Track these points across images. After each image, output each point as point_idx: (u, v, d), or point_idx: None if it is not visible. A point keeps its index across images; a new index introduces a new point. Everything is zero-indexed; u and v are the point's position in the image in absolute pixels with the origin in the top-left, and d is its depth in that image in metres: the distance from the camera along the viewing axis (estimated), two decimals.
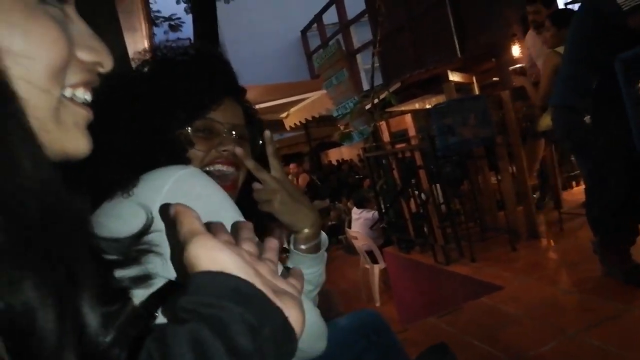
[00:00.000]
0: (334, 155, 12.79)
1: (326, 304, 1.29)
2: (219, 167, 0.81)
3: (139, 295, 0.50)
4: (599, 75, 1.90)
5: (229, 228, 0.46)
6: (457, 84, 5.25)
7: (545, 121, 3.19)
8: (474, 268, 2.77)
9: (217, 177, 0.80)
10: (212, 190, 0.67)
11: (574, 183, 4.31)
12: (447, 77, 5.39)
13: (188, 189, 0.63)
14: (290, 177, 8.58)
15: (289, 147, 14.00)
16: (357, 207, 5.09)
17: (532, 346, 1.72)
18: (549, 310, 2.00)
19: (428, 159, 3.10)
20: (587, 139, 2.05)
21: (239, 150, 0.80)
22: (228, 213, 0.66)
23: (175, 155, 0.74)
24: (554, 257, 2.71)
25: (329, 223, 7.11)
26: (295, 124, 8.30)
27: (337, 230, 6.97)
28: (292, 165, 8.57)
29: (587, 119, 2.01)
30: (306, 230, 0.86)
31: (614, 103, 1.56)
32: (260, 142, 0.87)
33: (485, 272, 2.66)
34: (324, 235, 0.92)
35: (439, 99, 5.81)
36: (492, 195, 3.60)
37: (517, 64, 4.58)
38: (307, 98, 7.47)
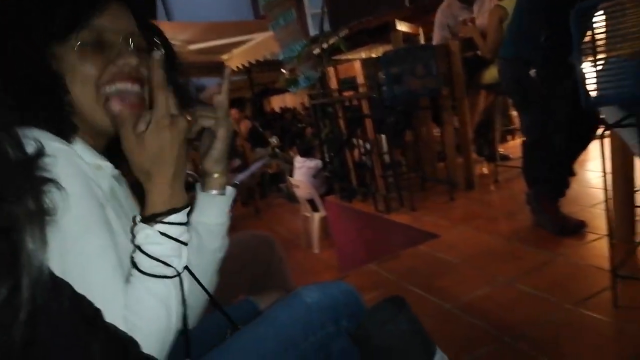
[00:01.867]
0: (277, 102, 12.53)
1: (280, 279, 1.23)
2: (119, 85, 0.70)
3: None
4: (549, 28, 1.90)
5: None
6: (404, 34, 5.18)
7: (490, 74, 3.23)
8: (413, 217, 2.83)
9: (120, 99, 0.70)
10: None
11: (509, 137, 4.48)
12: (395, 26, 5.31)
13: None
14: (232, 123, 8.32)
15: (231, 92, 13.49)
16: (301, 156, 5.03)
17: (466, 292, 1.78)
18: (483, 258, 2.08)
19: (374, 108, 3.06)
20: (533, 92, 2.09)
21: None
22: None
23: (46, 90, 0.62)
24: (490, 207, 2.82)
25: (270, 171, 7.03)
26: (238, 67, 7.94)
27: (279, 178, 6.92)
28: (233, 111, 8.27)
29: (533, 72, 2.03)
30: (217, 175, 0.79)
31: (563, 57, 1.57)
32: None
33: (424, 221, 2.73)
34: (230, 189, 0.84)
35: (387, 48, 5.74)
36: (433, 147, 3.67)
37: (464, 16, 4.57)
38: (251, 40, 7.13)
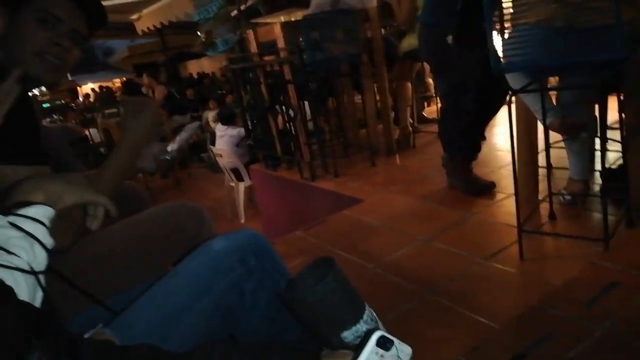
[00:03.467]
0: (194, 67, 11.94)
1: (200, 225, 1.18)
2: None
3: None
4: None
5: None
6: None
7: (408, 42, 3.31)
8: (337, 183, 2.88)
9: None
10: None
11: (425, 103, 4.67)
12: None
13: None
14: (143, 89, 7.80)
15: (142, 56, 12.60)
16: (222, 124, 4.88)
17: (388, 252, 1.86)
18: (403, 220, 2.18)
19: (297, 74, 3.02)
20: (449, 58, 2.17)
21: None
22: None
23: None
24: (408, 172, 2.94)
25: (191, 140, 6.76)
26: (148, 28, 7.40)
27: (199, 147, 6.68)
28: (144, 77, 7.77)
29: (450, 38, 2.10)
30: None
31: (477, 25, 1.63)
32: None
33: (348, 187, 2.78)
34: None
35: (306, 12, 5.65)
36: (354, 114, 3.73)
37: None
38: None
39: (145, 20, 7.36)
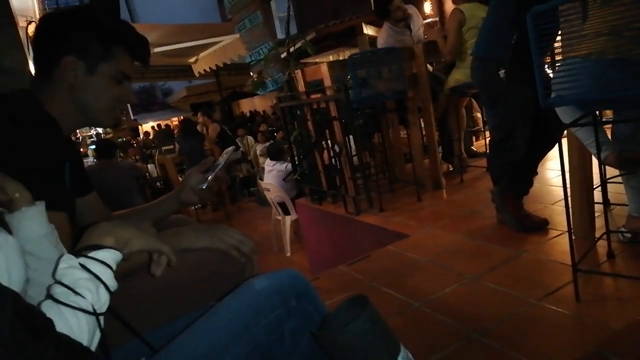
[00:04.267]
0: (246, 106, 12.43)
1: (240, 268, 1.19)
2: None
3: None
4: (518, 29, 1.96)
5: None
6: (370, 37, 5.25)
7: (454, 77, 3.30)
8: (382, 218, 2.86)
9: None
10: None
11: (474, 138, 4.58)
12: (362, 29, 5.36)
13: None
14: (199, 127, 8.17)
15: (199, 96, 13.28)
16: (271, 159, 5.00)
17: (434, 290, 1.81)
18: (451, 256, 2.12)
19: (342, 110, 3.07)
20: (501, 92, 2.14)
21: None
22: None
23: None
24: (456, 207, 2.87)
25: (240, 175, 6.97)
26: (205, 70, 7.85)
27: (250, 182, 6.86)
28: (199, 115, 8.15)
29: (502, 73, 2.08)
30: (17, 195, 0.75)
31: (529, 58, 1.61)
32: None
33: (393, 222, 2.75)
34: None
35: (353, 51, 5.80)
36: (400, 148, 3.72)
37: (429, 19, 4.67)
38: (218, 42, 7.06)
39: (202, 62, 7.81)
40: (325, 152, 3.47)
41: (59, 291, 0.64)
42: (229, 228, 1.10)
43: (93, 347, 0.64)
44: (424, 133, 3.38)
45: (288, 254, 4.46)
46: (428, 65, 3.41)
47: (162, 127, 14.64)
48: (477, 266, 1.93)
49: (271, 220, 4.79)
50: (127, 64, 1.08)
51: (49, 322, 0.45)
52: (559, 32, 1.51)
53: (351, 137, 3.19)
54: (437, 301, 1.73)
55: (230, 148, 1.16)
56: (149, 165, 7.06)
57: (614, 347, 1.23)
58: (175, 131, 10.61)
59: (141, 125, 15.56)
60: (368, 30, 5.35)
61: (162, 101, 22.38)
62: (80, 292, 0.65)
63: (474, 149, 4.19)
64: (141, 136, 13.45)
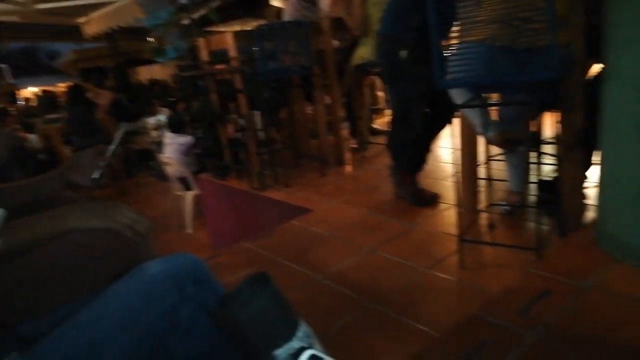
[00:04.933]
0: (145, 74, 11.60)
1: (135, 248, 1.12)
2: None
3: None
4: (421, 11, 2.02)
5: None
6: (278, 9, 5.15)
7: (359, 54, 3.36)
8: (287, 193, 2.87)
9: None
10: None
11: (374, 115, 4.76)
12: (269, 0, 5.25)
13: None
14: (89, 94, 7.47)
15: (90, 60, 12.12)
16: (172, 132, 4.74)
17: (335, 263, 1.87)
18: (351, 230, 2.19)
19: (248, 83, 2.99)
20: (403, 70, 2.21)
21: None
22: None
23: None
24: (357, 182, 2.97)
25: (137, 147, 6.54)
26: (97, 33, 7.15)
27: (147, 155, 6.46)
28: (87, 84, 7.42)
29: (404, 53, 2.15)
30: None
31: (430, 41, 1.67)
32: None
33: (298, 197, 2.77)
34: None
35: (260, 22, 5.66)
36: (306, 124, 3.74)
37: None
38: (111, 2, 6.45)
39: (93, 24, 7.09)
40: (230, 125, 3.38)
41: None
42: (121, 205, 1.01)
43: None
44: (329, 110, 3.42)
45: (189, 231, 4.31)
46: (335, 42, 3.43)
47: (46, 92, 13.20)
48: (375, 239, 2.02)
49: (171, 196, 4.58)
50: None
51: None
52: (460, 17, 1.59)
53: (257, 111, 3.13)
54: (338, 274, 1.78)
55: (125, 125, 1.05)
56: (30, 135, 6.32)
57: (491, 310, 1.36)
58: (62, 98, 9.61)
59: (19, 90, 13.87)
60: (276, 2, 5.24)
61: (46, 64, 20.11)
62: None
63: (375, 126, 4.35)
64: (21, 102, 11.99)
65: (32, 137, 6.33)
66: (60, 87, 13.79)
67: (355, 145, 3.85)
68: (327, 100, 3.41)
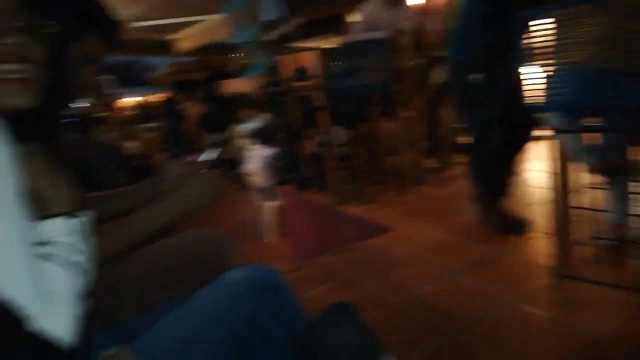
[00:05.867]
0: (230, 87, 12.21)
1: (221, 257, 1.18)
2: (6, 66, 0.63)
3: None
4: (493, 31, 1.95)
5: None
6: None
7: (436, 74, 3.30)
8: (366, 210, 2.87)
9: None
10: None
11: (457, 133, 4.61)
12: (351, 17, 5.30)
13: None
14: (180, 107, 7.96)
15: (180, 74, 13.00)
16: (255, 144, 4.94)
17: (415, 285, 1.83)
18: (433, 252, 2.15)
19: (328, 99, 3.05)
20: (476, 95, 2.14)
21: None
22: None
23: None
24: (438, 202, 2.90)
25: (224, 157, 6.88)
26: (189, 48, 7.66)
27: (232, 165, 6.77)
28: (179, 96, 7.94)
29: (477, 76, 2.08)
30: None
31: (503, 62, 1.60)
32: None
33: (377, 214, 2.77)
34: None
35: (341, 39, 5.74)
36: (386, 141, 3.72)
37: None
38: (202, 21, 6.90)
39: (186, 40, 7.63)
40: (310, 140, 3.45)
41: (58, 251, 0.65)
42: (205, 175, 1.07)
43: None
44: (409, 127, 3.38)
45: (269, 241, 4.44)
46: (413, 60, 3.39)
47: (143, 103, 14.31)
48: (457, 264, 1.96)
49: (252, 206, 4.75)
50: (97, 47, 1.04)
51: (23, 321, 0.44)
52: (554, 38, 1.51)
53: (336, 126, 3.17)
54: (418, 297, 1.75)
55: (211, 149, 1.13)
56: (129, 143, 6.88)
57: (592, 354, 1.26)
58: (156, 109, 10.37)
59: (120, 101, 15.14)
60: (355, 18, 5.29)
61: (142, 77, 21.83)
62: (78, 253, 0.66)
63: (459, 144, 4.21)
64: (121, 112, 13.11)
65: (130, 145, 6.89)
66: (154, 98, 14.87)
67: (436, 165, 3.77)
68: (407, 117, 3.37)
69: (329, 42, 6.86)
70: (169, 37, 7.72)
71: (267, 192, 4.45)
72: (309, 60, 3.27)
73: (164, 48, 9.10)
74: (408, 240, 2.31)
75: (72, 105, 1.08)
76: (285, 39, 4.05)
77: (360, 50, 2.98)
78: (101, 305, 0.80)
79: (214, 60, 10.34)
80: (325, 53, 3.37)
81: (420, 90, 3.39)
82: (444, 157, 3.59)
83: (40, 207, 0.67)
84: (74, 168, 1.19)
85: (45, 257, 0.63)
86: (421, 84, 3.41)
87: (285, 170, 3.69)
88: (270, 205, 4.39)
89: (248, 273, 0.85)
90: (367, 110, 3.51)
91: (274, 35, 3.70)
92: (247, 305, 0.81)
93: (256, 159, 4.74)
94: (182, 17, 6.76)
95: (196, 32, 7.26)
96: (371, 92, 3.29)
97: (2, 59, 0.62)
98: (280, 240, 4.27)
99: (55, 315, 0.58)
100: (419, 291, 1.79)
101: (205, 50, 8.45)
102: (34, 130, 0.74)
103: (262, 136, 4.88)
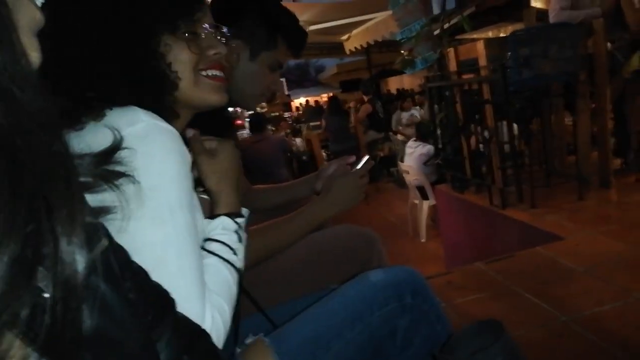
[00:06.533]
0: (394, 84, 12.27)
1: (369, 252, 1.19)
2: (213, 72, 0.77)
3: None
4: None
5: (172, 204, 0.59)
6: (539, 10, 4.68)
7: (636, 61, 2.78)
8: (532, 215, 2.58)
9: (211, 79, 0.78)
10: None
11: None
12: (529, 1, 4.83)
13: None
14: (351, 108, 8.35)
15: (348, 73, 13.55)
16: (414, 141, 4.88)
17: (589, 305, 1.58)
18: (613, 268, 1.83)
19: (497, 93, 2.82)
20: None
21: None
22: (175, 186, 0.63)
23: (159, 72, 0.69)
24: (626, 211, 2.46)
25: (381, 154, 6.95)
26: (355, 47, 7.91)
27: (389, 162, 6.82)
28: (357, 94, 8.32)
29: None
30: None
31: None
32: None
33: (546, 220, 2.47)
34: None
35: (517, 27, 5.26)
36: (563, 138, 3.29)
37: None
38: (371, 19, 7.03)
39: (353, 40, 7.88)
40: (473, 137, 3.25)
41: (219, 249, 0.72)
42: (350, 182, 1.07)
43: (231, 309, 0.69)
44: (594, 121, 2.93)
45: (423, 240, 4.35)
46: (607, 43, 2.92)
47: (312, 103, 15.34)
48: None
49: (408, 204, 4.70)
50: (284, 54, 1.12)
51: (172, 303, 0.47)
52: None
53: (504, 122, 2.92)
54: (591, 318, 1.51)
55: (366, 158, 1.12)
56: (297, 139, 7.45)
57: None
58: (324, 107, 11.01)
59: (293, 101, 16.48)
60: (537, 2, 4.79)
61: (314, 77, 23.38)
62: (236, 252, 0.73)
63: None
64: (293, 111, 14.27)
65: (298, 141, 7.46)
66: (324, 97, 15.82)
67: (623, 166, 3.20)
68: (593, 109, 2.92)
69: (503, 32, 6.36)
70: (340, 38, 8.08)
71: (423, 190, 4.35)
72: (478, 52, 3.06)
73: (335, 49, 9.57)
74: (581, 252, 2.01)
75: (257, 107, 1.21)
76: (455, 31, 3.88)
77: (539, 38, 2.68)
78: (248, 292, 0.86)
79: (380, 57, 10.51)
80: (496, 43, 3.13)
81: (612, 79, 2.91)
82: (636, 158, 3.01)
83: (211, 207, 0.76)
84: (248, 162, 1.32)
85: (208, 254, 0.70)
86: (615, 71, 2.92)
87: (444, 168, 3.54)
88: (425, 204, 4.30)
89: (392, 275, 0.83)
90: (543, 103, 3.15)
91: (441, 28, 3.56)
92: (388, 308, 0.79)
93: (414, 156, 4.67)
94: (353, 17, 7.01)
95: (364, 31, 7.44)
96: (551, 84, 2.94)
97: (215, 66, 0.77)
98: (433, 241, 4.15)
99: (212, 307, 0.64)
100: (593, 312, 1.55)
101: (370, 49, 8.63)
102: (213, 128, 0.84)
103: (422, 132, 4.79)
